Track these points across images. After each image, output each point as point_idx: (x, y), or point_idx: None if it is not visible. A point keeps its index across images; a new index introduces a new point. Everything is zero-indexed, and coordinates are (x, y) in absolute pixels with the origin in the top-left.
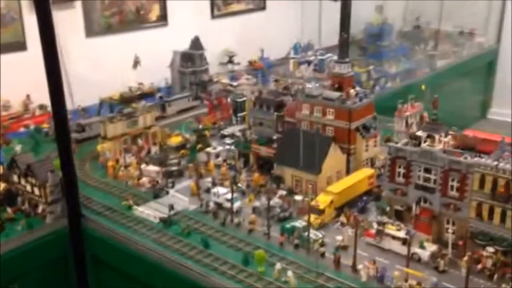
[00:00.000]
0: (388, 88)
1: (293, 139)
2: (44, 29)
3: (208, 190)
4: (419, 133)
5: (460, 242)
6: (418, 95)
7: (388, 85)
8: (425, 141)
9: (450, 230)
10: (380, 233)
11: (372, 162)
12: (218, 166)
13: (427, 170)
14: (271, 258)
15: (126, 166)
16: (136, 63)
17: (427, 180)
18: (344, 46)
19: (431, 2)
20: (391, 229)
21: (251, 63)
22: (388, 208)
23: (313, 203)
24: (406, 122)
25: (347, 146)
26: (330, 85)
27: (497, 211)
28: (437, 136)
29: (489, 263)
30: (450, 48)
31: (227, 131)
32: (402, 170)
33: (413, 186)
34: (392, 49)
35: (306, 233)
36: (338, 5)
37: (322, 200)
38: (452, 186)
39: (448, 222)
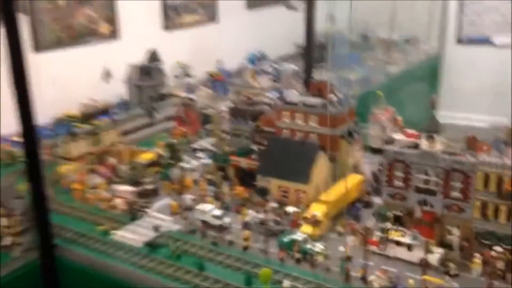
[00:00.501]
0: (349, 95)
1: (277, 148)
2: (13, 41)
3: (189, 208)
4: (397, 136)
5: (466, 244)
6: (376, 101)
7: (345, 91)
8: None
9: (456, 233)
10: (383, 241)
11: (356, 168)
12: (194, 182)
13: (428, 172)
14: (273, 275)
15: (94, 188)
16: (107, 75)
17: (427, 182)
18: (322, 52)
19: (376, 12)
20: (395, 236)
21: (212, 75)
22: (390, 214)
23: (306, 214)
24: (382, 127)
25: (332, 153)
26: (309, 91)
27: (503, 209)
28: (437, 137)
29: (500, 264)
30: (398, 55)
31: (198, 144)
32: (400, 174)
33: (413, 189)
34: (345, 57)
35: (308, 246)
36: (287, 14)
37: (318, 210)
38: (454, 187)
39: (451, 224)
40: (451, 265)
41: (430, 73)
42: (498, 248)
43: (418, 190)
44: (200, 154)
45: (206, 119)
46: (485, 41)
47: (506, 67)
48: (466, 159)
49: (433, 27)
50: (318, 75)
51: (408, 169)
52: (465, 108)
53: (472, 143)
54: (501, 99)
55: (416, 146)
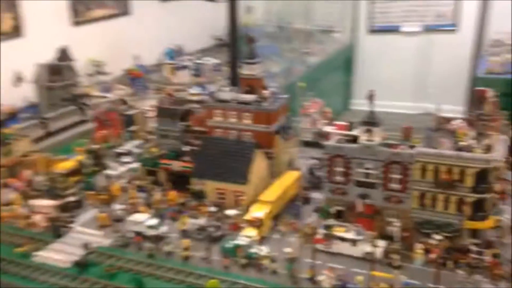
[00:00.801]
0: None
1: (212, 148)
2: None
3: (120, 219)
4: (328, 129)
5: (406, 234)
6: (300, 92)
7: (273, 84)
8: (362, 136)
9: (397, 224)
10: (328, 238)
11: (291, 164)
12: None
13: (368, 166)
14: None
15: (8, 204)
16: (18, 80)
17: (367, 176)
18: (252, 45)
19: (290, 3)
20: (339, 232)
21: (129, 71)
22: (333, 210)
23: (248, 216)
24: (312, 120)
25: (268, 150)
26: (240, 87)
27: (440, 197)
28: (375, 130)
29: (441, 251)
30: (316, 46)
31: (123, 148)
32: (341, 169)
33: (353, 183)
34: (263, 49)
35: (253, 250)
36: (203, 6)
37: (260, 211)
38: (393, 179)
39: (391, 216)
40: (394, 256)
41: (346, 63)
42: (437, 236)
43: (359, 184)
44: (126, 159)
45: (128, 120)
46: (394, 29)
47: (416, 54)
48: (404, 150)
49: (346, 17)
50: (247, 69)
51: (348, 163)
52: (379, 96)
53: (407, 132)
54: (414, 85)
55: (354, 140)
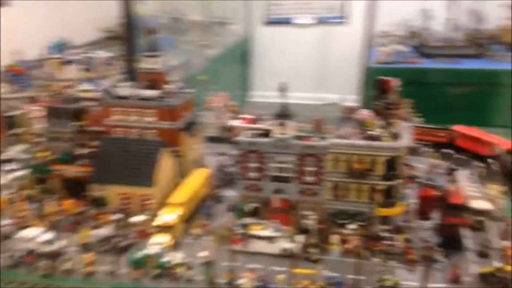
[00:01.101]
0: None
1: (112, 149)
2: None
3: (7, 236)
4: (235, 123)
5: (321, 226)
6: (200, 85)
7: (176, 78)
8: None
9: (312, 216)
10: (245, 237)
11: (199, 162)
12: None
13: (282, 160)
14: None
15: None
16: None
17: (282, 170)
18: (152, 38)
19: None
20: (256, 230)
21: (10, 68)
22: (249, 207)
23: (158, 221)
24: (217, 114)
25: (174, 148)
26: (140, 82)
27: (353, 187)
28: (288, 123)
29: (357, 241)
30: (213, 38)
31: (6, 155)
32: (254, 165)
33: (268, 179)
34: (158, 41)
35: (165, 258)
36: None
37: (170, 214)
38: (307, 172)
39: (306, 209)
40: (312, 250)
41: (243, 55)
42: (351, 226)
43: (273, 179)
44: (10, 166)
45: (10, 122)
46: (288, 21)
47: (312, 46)
48: (317, 142)
49: (241, 9)
50: (148, 63)
51: (262, 158)
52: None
53: (319, 124)
54: (311, 75)
55: (266, 134)
